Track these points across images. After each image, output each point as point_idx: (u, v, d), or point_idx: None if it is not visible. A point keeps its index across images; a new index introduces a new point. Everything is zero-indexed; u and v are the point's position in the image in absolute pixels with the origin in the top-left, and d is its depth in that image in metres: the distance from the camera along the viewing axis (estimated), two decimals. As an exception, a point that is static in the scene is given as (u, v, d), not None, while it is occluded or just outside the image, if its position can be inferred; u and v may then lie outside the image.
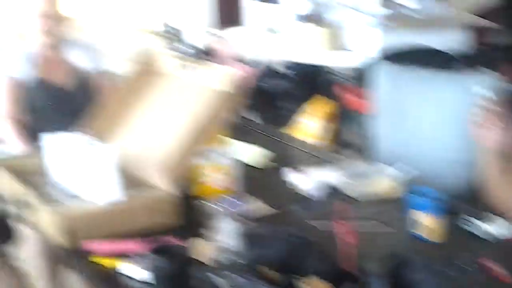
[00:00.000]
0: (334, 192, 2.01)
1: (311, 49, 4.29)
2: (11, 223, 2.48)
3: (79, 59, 2.92)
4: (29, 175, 2.01)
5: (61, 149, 1.95)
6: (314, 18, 4.47)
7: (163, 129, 2.08)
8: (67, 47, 2.91)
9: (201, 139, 1.94)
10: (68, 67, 2.90)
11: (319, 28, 4.32)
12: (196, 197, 1.94)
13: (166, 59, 2.27)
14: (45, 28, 2.77)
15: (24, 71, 2.81)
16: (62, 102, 2.85)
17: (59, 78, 2.87)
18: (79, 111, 2.80)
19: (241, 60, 4.37)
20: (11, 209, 1.95)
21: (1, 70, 2.83)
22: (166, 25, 5.02)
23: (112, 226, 1.72)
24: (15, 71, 2.81)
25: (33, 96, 2.83)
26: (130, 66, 2.34)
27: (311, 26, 4.36)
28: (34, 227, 1.84)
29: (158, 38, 4.85)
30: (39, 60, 2.84)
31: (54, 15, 2.79)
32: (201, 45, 4.63)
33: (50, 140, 1.99)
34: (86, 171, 1.84)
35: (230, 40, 4.68)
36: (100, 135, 2.10)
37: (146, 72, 2.26)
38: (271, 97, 4.32)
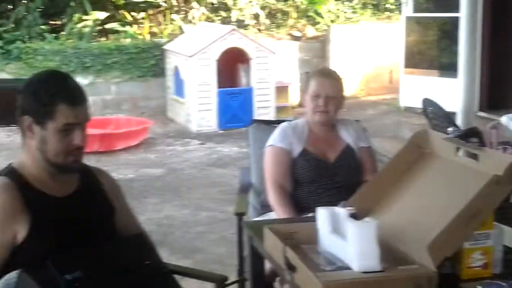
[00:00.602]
0: None
1: None
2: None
3: (347, 136, 3.10)
4: (296, 240, 2.16)
5: (328, 220, 2.08)
6: None
7: (431, 208, 2.10)
8: (337, 123, 3.12)
9: (471, 223, 1.92)
10: (335, 142, 3.08)
11: None
12: (458, 279, 1.92)
13: (439, 141, 2.29)
14: (324, 109, 3.00)
15: (292, 143, 3.03)
16: (325, 174, 3.01)
17: (323, 152, 3.05)
18: (342, 184, 2.94)
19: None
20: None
21: (270, 140, 3.09)
22: (426, 103, 5.04)
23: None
24: (282, 142, 3.04)
25: (297, 167, 3.02)
26: (404, 144, 2.38)
27: None
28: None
29: (424, 117, 4.87)
30: (307, 134, 3.06)
31: (336, 99, 3.03)
32: (470, 128, 4.54)
33: (321, 212, 2.13)
34: (348, 242, 1.94)
35: (501, 125, 4.54)
36: (365, 209, 2.19)
37: (418, 152, 2.30)
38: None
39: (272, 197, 2.96)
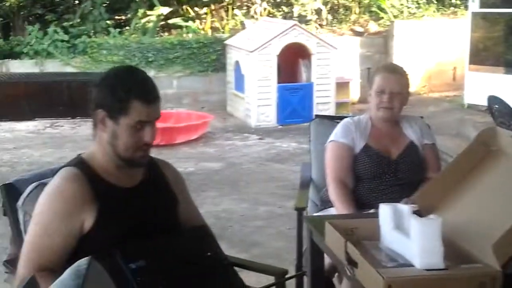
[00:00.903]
0: None
1: None
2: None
3: (411, 132, 3.06)
4: (357, 236, 2.15)
5: (391, 217, 2.06)
6: None
7: (497, 207, 2.05)
8: (402, 120, 3.08)
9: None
10: (398, 139, 3.04)
11: None
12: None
13: (507, 139, 2.24)
14: (388, 105, 2.96)
15: (354, 138, 3.00)
16: (387, 171, 2.97)
17: (386, 148, 3.01)
18: (404, 182, 2.90)
19: None
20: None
21: (332, 135, 3.07)
22: (492, 101, 4.92)
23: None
24: (345, 137, 3.01)
25: (359, 163, 2.99)
26: (471, 142, 2.34)
27: None
28: (357, 285, 1.95)
29: (488, 115, 4.76)
30: (370, 130, 3.03)
31: (402, 95, 2.98)
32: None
33: (384, 208, 2.11)
34: (412, 239, 1.92)
35: None
36: (429, 206, 2.16)
37: (484, 150, 2.25)
38: None
39: (332, 193, 2.93)
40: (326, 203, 3.09)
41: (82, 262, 1.47)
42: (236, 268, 2.32)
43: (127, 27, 9.89)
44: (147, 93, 2.09)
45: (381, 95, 2.96)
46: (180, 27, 10.02)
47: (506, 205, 2.00)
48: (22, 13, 9.95)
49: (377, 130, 3.05)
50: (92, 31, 9.40)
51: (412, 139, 3.05)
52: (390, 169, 2.97)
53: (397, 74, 3.00)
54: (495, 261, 1.81)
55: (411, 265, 1.88)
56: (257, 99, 8.11)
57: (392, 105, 2.96)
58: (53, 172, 2.25)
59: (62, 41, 9.03)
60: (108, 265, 1.87)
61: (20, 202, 2.27)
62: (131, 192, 2.18)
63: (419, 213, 2.14)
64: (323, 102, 8.29)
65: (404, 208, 2.08)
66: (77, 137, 7.52)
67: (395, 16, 10.33)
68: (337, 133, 3.06)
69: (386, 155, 3.00)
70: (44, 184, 2.19)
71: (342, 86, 8.70)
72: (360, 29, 10.11)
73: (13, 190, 2.37)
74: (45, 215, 2.07)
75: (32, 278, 1.72)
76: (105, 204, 2.09)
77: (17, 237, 2.30)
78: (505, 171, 2.16)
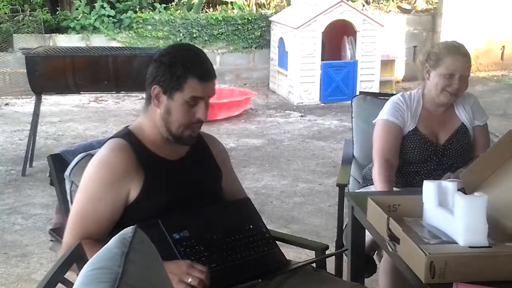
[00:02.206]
0: None
1: None
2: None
3: (463, 114, 2.97)
4: (399, 213, 2.14)
5: (435, 194, 2.04)
6: None
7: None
8: (456, 103, 2.97)
9: None
10: (449, 122, 2.96)
11: None
12: None
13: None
14: (456, 91, 2.83)
15: (404, 118, 2.92)
16: (433, 156, 2.91)
17: (435, 132, 2.94)
18: (450, 165, 2.85)
19: None
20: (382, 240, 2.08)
21: (382, 113, 2.99)
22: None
23: (474, 270, 1.73)
24: (395, 116, 2.92)
25: (405, 146, 2.92)
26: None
27: None
28: (399, 262, 1.94)
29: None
30: (421, 112, 2.94)
31: (466, 79, 2.85)
32: None
33: (428, 185, 2.09)
34: (456, 216, 1.90)
35: None
36: (474, 184, 2.14)
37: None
38: None
39: (376, 172, 2.84)
40: (368, 180, 3.07)
41: (128, 230, 1.48)
42: (277, 243, 2.33)
43: (172, 3, 9.91)
44: (203, 70, 2.11)
45: (450, 78, 2.82)
46: (225, 3, 10.00)
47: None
48: (69, -12, 10.07)
49: (428, 112, 2.95)
50: (138, 6, 9.45)
51: (464, 121, 2.97)
52: (437, 155, 2.91)
53: (466, 56, 2.85)
54: (541, 240, 1.78)
55: (454, 242, 1.87)
56: (300, 76, 8.07)
57: (459, 90, 2.84)
58: (100, 144, 2.29)
59: (108, 16, 9.11)
60: (150, 235, 1.90)
61: (67, 172, 2.32)
62: (177, 164, 2.21)
63: (463, 190, 2.12)
64: (367, 80, 8.21)
65: (449, 185, 2.06)
66: (121, 111, 7.62)
67: (443, -7, 10.12)
68: (387, 111, 2.97)
69: (434, 141, 2.93)
70: (92, 155, 2.23)
71: (387, 64, 8.59)
72: (408, 7, 9.93)
73: (60, 161, 2.42)
74: (92, 184, 2.10)
75: (79, 245, 1.76)
76: (151, 175, 2.12)
77: (64, 206, 2.35)
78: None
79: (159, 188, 2.13)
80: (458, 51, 2.82)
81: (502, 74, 9.26)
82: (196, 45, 2.27)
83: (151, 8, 9.54)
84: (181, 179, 2.18)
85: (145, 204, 2.11)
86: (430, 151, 2.90)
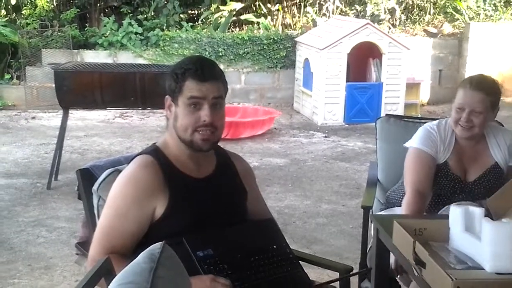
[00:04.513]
0: None
1: None
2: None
3: (498, 152, 2.85)
4: (425, 237, 2.13)
5: (462, 219, 2.03)
6: None
7: None
8: (488, 134, 2.85)
9: None
10: (481, 159, 2.83)
11: None
12: None
13: None
14: (466, 125, 2.73)
15: (437, 149, 2.80)
16: (460, 193, 2.81)
17: (465, 168, 2.82)
18: (480, 199, 2.76)
19: None
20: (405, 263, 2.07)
21: (416, 140, 2.85)
22: None
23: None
24: (429, 146, 2.80)
25: (438, 179, 2.82)
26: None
27: None
28: (424, 286, 1.93)
29: None
30: (454, 144, 2.82)
31: (483, 114, 2.71)
32: None
33: (455, 210, 2.08)
34: (483, 241, 1.88)
35: None
36: (502, 210, 2.13)
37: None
38: None
39: (408, 202, 2.70)
40: (391, 203, 3.04)
41: (156, 246, 1.50)
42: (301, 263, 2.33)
43: (199, 22, 10.01)
44: (201, 70, 2.13)
45: (460, 112, 2.73)
46: (252, 23, 10.08)
47: None
48: (98, 5, 10.21)
49: (460, 146, 2.83)
50: (165, 24, 9.56)
51: (498, 160, 2.83)
52: (465, 192, 2.81)
53: (482, 92, 2.69)
54: None
55: (481, 268, 1.86)
56: (324, 97, 8.08)
57: (470, 124, 2.72)
58: (127, 159, 2.32)
59: (136, 33, 9.22)
60: (177, 252, 1.91)
61: (95, 187, 2.34)
62: (202, 183, 2.22)
63: (490, 216, 2.11)
64: (392, 103, 8.19)
65: (476, 210, 2.05)
66: (145, 127, 7.68)
67: (470, 18, 10.10)
68: (420, 139, 2.84)
69: (462, 178, 2.81)
70: (119, 171, 2.25)
71: (412, 87, 8.58)
72: (434, 30, 9.92)
73: (88, 175, 2.45)
74: (119, 200, 2.12)
75: (107, 259, 1.77)
76: (177, 193, 2.14)
77: (90, 220, 2.38)
78: None
79: (185, 206, 2.14)
80: (472, 85, 2.70)
81: (528, 100, 9.19)
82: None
83: (178, 27, 9.65)
84: (206, 197, 2.20)
85: (170, 222, 2.12)
86: (457, 188, 2.81)
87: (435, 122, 2.91)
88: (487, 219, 1.94)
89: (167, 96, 2.18)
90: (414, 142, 2.85)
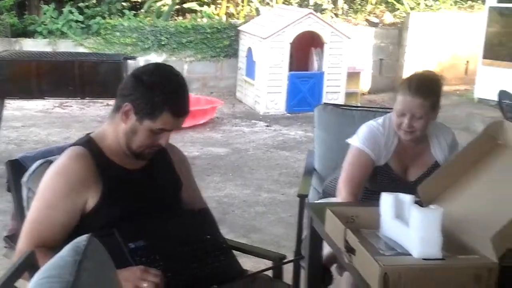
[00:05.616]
0: None
1: None
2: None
3: (438, 151, 2.86)
4: (356, 224, 2.16)
5: (392, 206, 2.06)
6: None
7: (499, 200, 2.04)
8: (430, 134, 2.85)
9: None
10: (422, 158, 2.85)
11: None
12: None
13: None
14: (408, 129, 2.71)
15: (380, 151, 2.80)
16: (401, 191, 2.78)
17: (406, 168, 2.84)
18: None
19: None
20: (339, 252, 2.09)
21: (359, 139, 2.83)
22: (502, 96, 4.89)
23: (427, 282, 1.75)
24: (371, 148, 2.79)
25: (375, 178, 2.83)
26: (478, 135, 2.31)
27: None
28: (354, 272, 1.95)
29: (498, 110, 4.74)
30: (396, 145, 2.82)
31: (424, 118, 2.70)
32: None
33: (385, 197, 2.10)
34: (411, 228, 1.92)
35: None
36: (431, 197, 2.16)
37: (491, 143, 2.24)
38: None
39: (341, 199, 2.73)
40: (328, 194, 3.05)
41: (82, 239, 1.47)
42: (235, 252, 2.33)
43: (142, 10, 9.88)
44: (181, 107, 2.11)
45: (401, 117, 2.71)
46: (195, 11, 10.00)
47: (507, 199, 1.99)
48: (37, -8, 9.98)
49: (402, 146, 2.82)
50: (107, 12, 9.40)
51: (438, 159, 2.84)
52: (406, 190, 2.76)
53: (421, 97, 2.65)
54: (493, 253, 1.80)
55: (409, 254, 1.89)
56: (267, 86, 8.10)
57: (412, 129, 2.71)
58: (59, 150, 2.27)
59: (77, 21, 9.04)
60: (106, 244, 1.89)
61: (24, 179, 2.28)
62: (136, 174, 2.19)
63: (420, 203, 2.14)
64: (333, 92, 8.28)
65: (406, 197, 2.08)
66: (85, 117, 7.56)
67: (411, 8, 10.27)
68: (364, 139, 2.81)
69: (404, 177, 2.83)
70: (50, 162, 2.20)
71: (353, 76, 8.68)
72: (376, 20, 10.05)
73: (18, 167, 2.38)
74: (48, 192, 2.08)
75: (31, 253, 1.74)
76: (109, 185, 2.11)
77: (19, 213, 2.32)
78: (509, 165, 2.15)
79: (117, 197, 2.11)
80: (411, 92, 2.66)
81: (465, 89, 9.41)
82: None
83: (120, 15, 9.50)
84: (140, 189, 2.17)
85: (102, 213, 2.09)
86: (399, 188, 2.72)
87: (380, 120, 2.87)
88: (415, 206, 1.97)
89: (127, 103, 2.08)
90: (358, 141, 2.83)
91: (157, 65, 2.23)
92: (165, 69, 2.18)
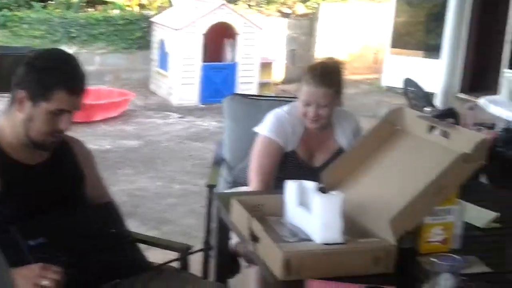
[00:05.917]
0: None
1: None
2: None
3: (342, 137, 2.90)
4: (262, 212, 2.17)
5: (296, 193, 2.09)
6: None
7: (397, 183, 2.10)
8: (334, 120, 2.89)
9: (435, 198, 1.94)
10: (327, 144, 2.88)
11: None
12: (416, 252, 1.94)
13: (413, 118, 2.28)
14: (313, 118, 2.76)
15: (287, 138, 2.82)
16: (308, 178, 2.84)
17: (312, 154, 2.87)
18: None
19: (486, 126, 4.23)
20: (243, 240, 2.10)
21: (265, 127, 2.85)
22: (407, 83, 5.04)
23: (329, 267, 1.78)
24: (278, 136, 2.81)
25: (282, 165, 2.83)
26: (379, 121, 2.35)
27: None
28: (258, 260, 1.96)
29: (402, 96, 4.88)
30: (303, 132, 2.84)
31: (329, 106, 2.75)
32: (447, 108, 4.58)
33: (290, 185, 2.12)
34: (313, 214, 1.94)
35: (478, 106, 4.56)
36: (334, 183, 2.20)
37: (391, 129, 2.29)
38: (505, 160, 4.09)
39: (253, 188, 2.76)
40: (238, 183, 3.05)
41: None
42: (144, 246, 2.30)
43: (51, 1, 9.59)
44: (75, 84, 2.04)
45: (306, 106, 2.75)
46: (106, 2, 9.79)
47: (405, 182, 2.05)
48: None
49: (308, 133, 2.86)
50: (15, 4, 9.07)
51: (342, 145, 2.89)
52: (312, 176, 2.80)
53: (324, 86, 2.70)
54: (391, 236, 1.86)
55: (311, 240, 1.92)
56: (180, 77, 8.04)
57: (318, 117, 2.75)
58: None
59: (-19, 13, 8.70)
60: (6, 242, 1.82)
61: None
62: (36, 169, 2.12)
63: (324, 189, 2.17)
64: (246, 82, 8.30)
65: (309, 184, 2.11)
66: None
67: (322, -1, 10.43)
68: (270, 127, 2.84)
69: (310, 163, 2.86)
70: None
71: (265, 66, 8.74)
72: (288, 11, 10.14)
73: None
74: None
75: None
76: (7, 180, 2.03)
77: None
78: (407, 149, 2.21)
79: (16, 194, 2.04)
80: (312, 81, 2.71)
81: (374, 77, 9.65)
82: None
83: (28, 7, 9.18)
84: (40, 185, 2.10)
85: (1, 210, 2.01)
86: (306, 174, 2.68)
87: (286, 108, 2.90)
88: (316, 192, 2.00)
89: (20, 90, 2.01)
90: (265, 129, 2.85)
91: (48, 50, 2.21)
92: (57, 51, 2.15)
